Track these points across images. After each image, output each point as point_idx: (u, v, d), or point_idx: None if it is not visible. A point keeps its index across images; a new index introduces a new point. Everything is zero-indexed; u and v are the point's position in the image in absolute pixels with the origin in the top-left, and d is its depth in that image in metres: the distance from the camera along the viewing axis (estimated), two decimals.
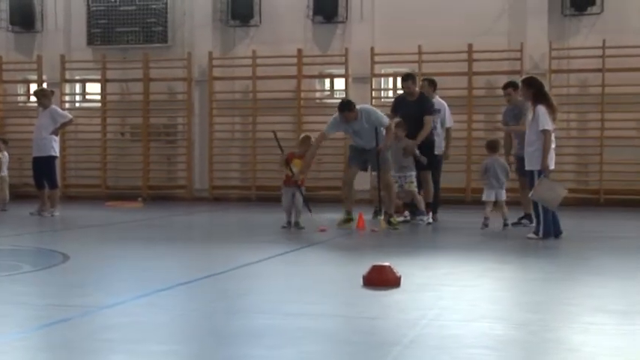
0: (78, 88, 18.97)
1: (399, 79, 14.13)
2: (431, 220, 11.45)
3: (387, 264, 6.24)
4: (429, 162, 11.51)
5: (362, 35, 16.64)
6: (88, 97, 19.06)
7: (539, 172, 9.41)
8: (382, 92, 17.27)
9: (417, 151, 11.30)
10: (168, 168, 18.33)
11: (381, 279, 6.10)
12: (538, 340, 4.52)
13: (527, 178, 9.96)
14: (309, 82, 17.27)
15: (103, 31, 17.69)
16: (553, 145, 9.55)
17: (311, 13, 16.79)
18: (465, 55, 16.00)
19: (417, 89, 11.72)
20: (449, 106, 12.32)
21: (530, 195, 9.58)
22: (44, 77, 17.98)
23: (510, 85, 11.36)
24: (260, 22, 17.17)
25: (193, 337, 4.65)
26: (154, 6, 17.41)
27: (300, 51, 16.73)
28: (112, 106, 18.40)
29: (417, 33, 16.01)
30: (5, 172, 14.62)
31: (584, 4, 15.70)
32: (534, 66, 15.77)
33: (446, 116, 12.11)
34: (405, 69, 15.26)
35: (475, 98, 16.15)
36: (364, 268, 6.28)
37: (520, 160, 10.58)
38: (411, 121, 11.27)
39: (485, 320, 5.04)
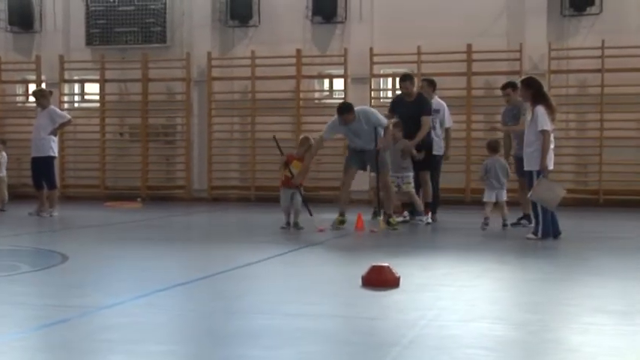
0: (77, 88, 18.97)
1: (398, 80, 14.12)
2: (430, 221, 11.45)
3: (386, 264, 6.23)
4: (427, 162, 11.50)
5: (361, 36, 16.64)
6: (86, 97, 19.05)
7: (538, 173, 9.41)
8: (381, 93, 17.27)
9: (415, 151, 11.30)
10: (167, 168, 18.33)
11: (380, 279, 6.09)
12: (537, 341, 4.51)
13: (526, 178, 9.96)
14: (308, 82, 17.26)
15: (102, 31, 17.68)
16: (552, 146, 9.55)
17: (310, 13, 16.78)
18: (464, 56, 16.00)
19: (415, 90, 11.73)
20: (448, 106, 12.32)
21: (529, 195, 9.58)
22: (43, 77, 17.97)
23: (509, 86, 11.36)
24: (259, 22, 17.17)
25: (192, 337, 4.64)
26: (152, 6, 17.41)
27: (299, 51, 16.72)
28: (111, 106, 18.39)
29: (416, 33, 16.01)
30: (4, 173, 14.63)
31: (583, 4, 15.70)
32: (533, 66, 15.78)
33: (445, 117, 12.10)
34: (404, 69, 15.25)
35: (474, 99, 16.15)
36: (363, 268, 6.27)
37: (519, 161, 10.59)
38: (408, 122, 11.28)
39: (484, 321, 5.04)
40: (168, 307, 5.43)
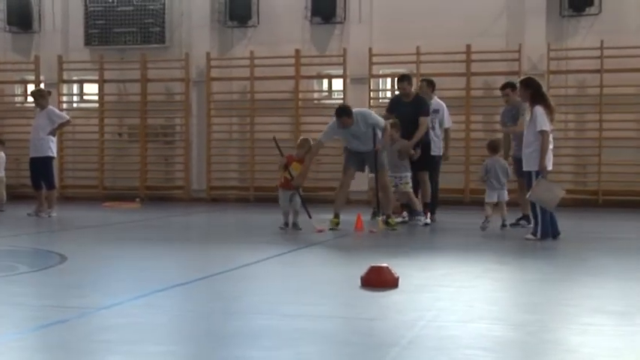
0: (75, 88, 18.96)
1: (395, 80, 14.12)
2: (429, 221, 11.44)
3: (385, 265, 6.23)
4: (425, 162, 11.50)
5: (360, 36, 16.64)
6: (85, 97, 19.06)
7: (537, 173, 9.40)
8: (380, 93, 17.26)
9: (412, 151, 11.29)
10: (166, 169, 18.32)
11: (379, 280, 6.09)
12: (536, 341, 4.51)
13: (524, 179, 9.96)
14: (307, 82, 17.26)
15: (101, 31, 17.68)
16: (551, 146, 9.54)
17: (309, 13, 16.78)
18: (463, 56, 16.00)
19: (413, 90, 11.73)
20: (447, 106, 12.32)
21: (527, 196, 9.57)
22: (42, 78, 17.97)
23: (508, 86, 11.36)
24: (258, 22, 17.17)
25: (191, 337, 4.64)
26: (151, 7, 17.40)
27: (298, 52, 16.72)
28: (110, 106, 18.39)
29: (415, 34, 16.01)
30: (2, 173, 14.63)
31: (582, 4, 15.70)
32: (532, 67, 15.78)
33: (444, 117, 12.10)
34: (403, 70, 15.26)
35: (473, 99, 16.15)
36: (362, 269, 6.27)
37: (518, 162, 10.58)
38: (406, 122, 11.27)
39: (483, 321, 5.04)
40: (167, 307, 5.42)
